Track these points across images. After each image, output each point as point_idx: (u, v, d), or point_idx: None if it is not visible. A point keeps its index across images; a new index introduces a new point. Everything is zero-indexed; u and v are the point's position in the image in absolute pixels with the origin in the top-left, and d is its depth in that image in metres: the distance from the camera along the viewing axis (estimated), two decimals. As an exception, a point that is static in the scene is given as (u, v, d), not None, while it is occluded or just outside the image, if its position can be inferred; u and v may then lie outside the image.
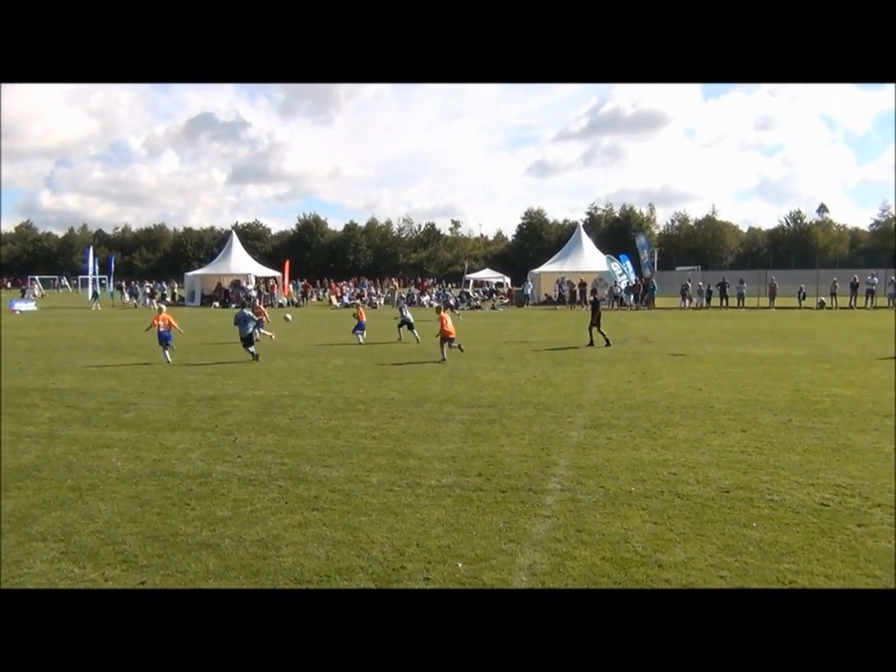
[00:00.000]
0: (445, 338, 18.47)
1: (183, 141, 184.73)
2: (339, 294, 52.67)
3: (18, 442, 9.80)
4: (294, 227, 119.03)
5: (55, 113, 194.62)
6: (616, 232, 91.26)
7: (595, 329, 21.72)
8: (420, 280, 67.17)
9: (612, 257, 46.96)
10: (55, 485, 7.86)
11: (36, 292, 67.14)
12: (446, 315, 19.17)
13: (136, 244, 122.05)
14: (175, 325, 18.98)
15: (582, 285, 45.52)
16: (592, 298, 24.13)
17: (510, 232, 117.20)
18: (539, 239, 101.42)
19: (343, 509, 7.01)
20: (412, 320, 23.61)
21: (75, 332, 27.91)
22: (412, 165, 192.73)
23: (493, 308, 45.24)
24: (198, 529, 6.51)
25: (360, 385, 14.35)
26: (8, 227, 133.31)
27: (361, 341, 22.96)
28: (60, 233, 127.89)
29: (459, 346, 18.84)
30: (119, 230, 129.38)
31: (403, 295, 51.33)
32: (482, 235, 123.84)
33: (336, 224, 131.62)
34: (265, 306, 46.79)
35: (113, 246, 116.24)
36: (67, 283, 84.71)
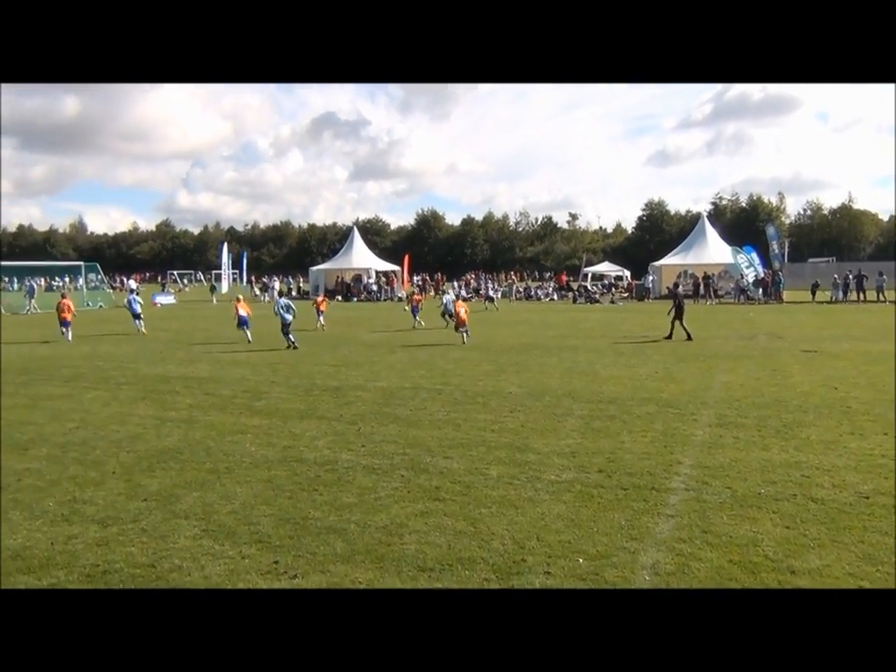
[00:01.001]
0: (459, 324, 21.03)
1: (307, 140, 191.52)
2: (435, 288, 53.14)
3: (162, 426, 10.48)
4: (412, 222, 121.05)
5: (191, 117, 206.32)
6: (742, 223, 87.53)
7: (677, 322, 21.30)
8: (555, 273, 66.43)
9: (738, 248, 45.03)
10: (195, 467, 8.36)
11: (182, 286, 71.18)
12: (461, 305, 21.64)
13: (264, 240, 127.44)
14: (250, 311, 22.11)
15: (706, 278, 43.93)
16: (673, 290, 23.49)
17: (629, 224, 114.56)
18: (660, 231, 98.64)
19: (464, 500, 7.10)
20: (451, 311, 24.20)
21: (209, 324, 29.48)
22: (528, 158, 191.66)
23: (612, 302, 44.35)
24: (326, 514, 6.76)
25: (478, 379, 14.45)
26: (149, 225, 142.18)
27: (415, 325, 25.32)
28: (195, 231, 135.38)
29: (465, 332, 21.00)
30: (249, 226, 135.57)
31: (455, 286, 51.20)
32: (600, 228, 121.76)
33: (453, 219, 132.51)
34: (385, 300, 47.98)
35: (243, 242, 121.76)
36: (202, 277, 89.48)
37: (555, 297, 48.90)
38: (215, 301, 48.25)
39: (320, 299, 28.06)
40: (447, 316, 24.67)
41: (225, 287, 52.67)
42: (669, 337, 21.33)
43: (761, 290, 41.81)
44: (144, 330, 25.01)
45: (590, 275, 58.77)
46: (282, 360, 17.55)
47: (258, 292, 57.58)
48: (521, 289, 51.81)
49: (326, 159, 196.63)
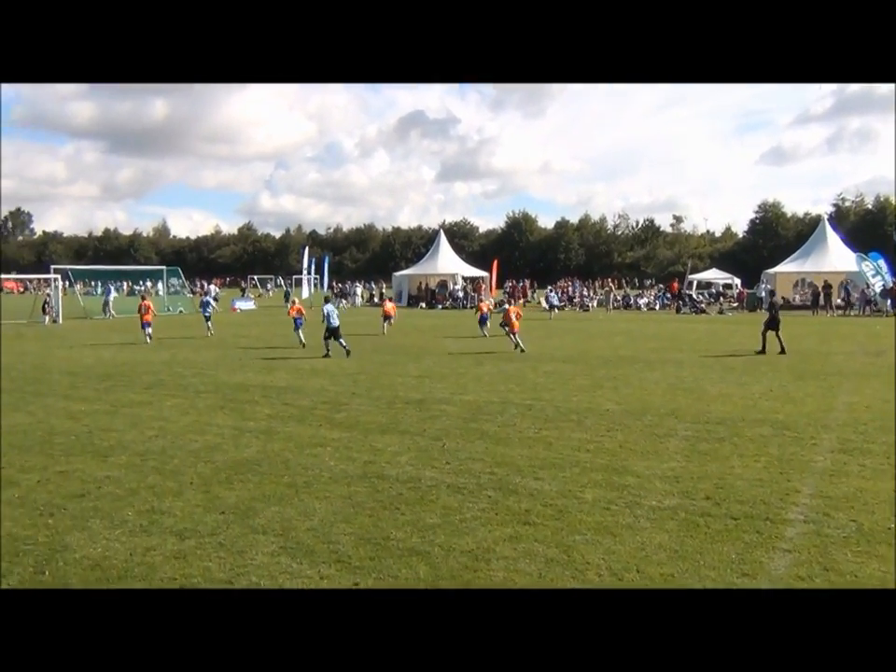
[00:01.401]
0: (512, 330, 21.94)
1: (394, 140, 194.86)
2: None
3: (240, 437, 10.78)
4: (502, 225, 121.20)
5: (276, 117, 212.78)
6: (868, 227, 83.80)
7: (771, 333, 20.95)
8: (656, 281, 65.17)
9: (863, 255, 43.13)
10: (274, 480, 8.55)
11: (264, 290, 72.90)
12: (513, 310, 22.57)
13: (347, 243, 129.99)
14: (304, 313, 24.00)
15: (827, 287, 42.23)
16: (769, 298, 22.83)
17: (740, 228, 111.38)
18: (774, 235, 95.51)
19: (556, 525, 7.01)
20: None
21: (289, 331, 30.15)
22: (628, 157, 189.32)
23: (720, 312, 43.20)
24: (408, 535, 6.79)
25: (572, 394, 14.29)
26: (231, 228, 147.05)
27: (485, 333, 26.17)
28: (277, 234, 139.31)
29: (517, 340, 21.84)
30: (331, 230, 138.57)
31: (549, 292, 50.46)
32: (707, 231, 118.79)
33: (546, 221, 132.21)
34: (471, 307, 48.08)
35: (325, 246, 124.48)
36: (283, 282, 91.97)
37: (657, 306, 47.97)
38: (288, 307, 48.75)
39: (389, 305, 29.01)
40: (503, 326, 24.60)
41: (305, 292, 53.72)
42: (762, 351, 20.97)
43: (889, 301, 39.89)
44: (212, 332, 27.60)
45: (695, 283, 57.38)
46: (363, 370, 17.81)
47: (343, 302, 58.78)
48: (619, 297, 51.07)
49: (413, 159, 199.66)
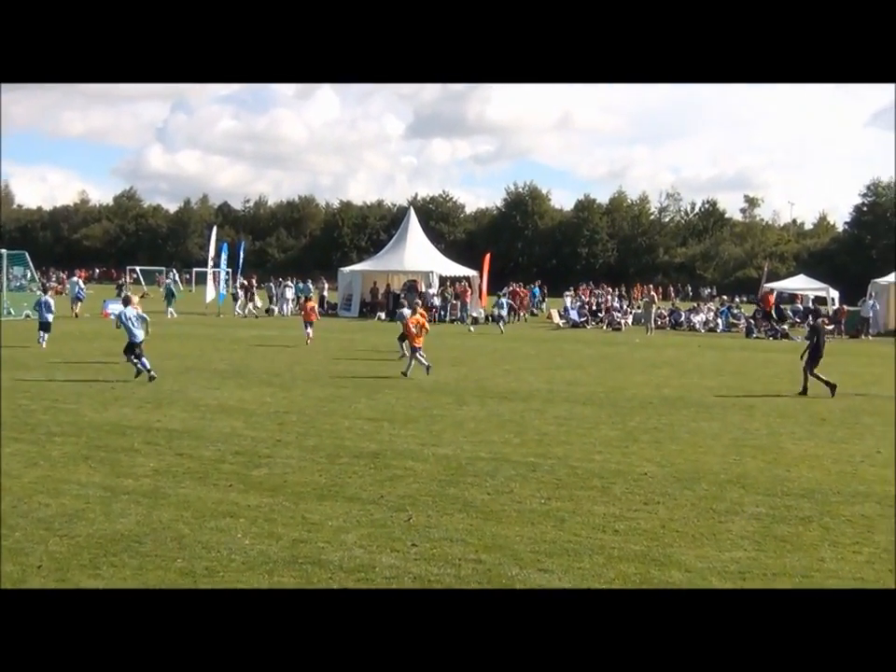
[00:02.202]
0: (415, 347, 23.63)
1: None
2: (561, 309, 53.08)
3: (113, 500, 10.76)
4: (500, 203, 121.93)
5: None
6: None
7: (809, 370, 21.87)
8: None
9: None
10: (161, 565, 8.54)
11: (149, 288, 72.31)
12: (416, 319, 24.02)
13: (273, 223, 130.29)
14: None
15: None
16: (813, 323, 23.43)
17: (840, 218, 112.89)
18: (888, 230, 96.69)
19: (569, 637, 7.08)
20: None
21: (187, 348, 30.18)
22: (681, 109, 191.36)
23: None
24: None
25: (595, 449, 14.40)
26: (104, 197, 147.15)
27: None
28: (172, 207, 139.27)
29: (421, 357, 23.43)
30: (251, 203, 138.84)
31: (569, 298, 50.76)
32: (793, 222, 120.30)
33: (563, 199, 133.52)
34: (452, 320, 48.24)
35: (242, 227, 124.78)
36: (177, 277, 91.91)
37: (718, 325, 48.41)
38: (172, 314, 47.39)
39: (310, 305, 30.48)
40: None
41: (211, 292, 53.45)
42: (804, 391, 21.61)
43: None
44: (44, 346, 28.64)
45: (774, 295, 57.89)
46: (292, 409, 17.84)
47: (259, 303, 58.56)
48: (664, 312, 51.45)
49: (373, 104, 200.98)
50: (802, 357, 22.34)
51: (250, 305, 52.60)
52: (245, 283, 56.52)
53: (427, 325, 24.45)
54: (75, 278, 56.95)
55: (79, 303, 47.51)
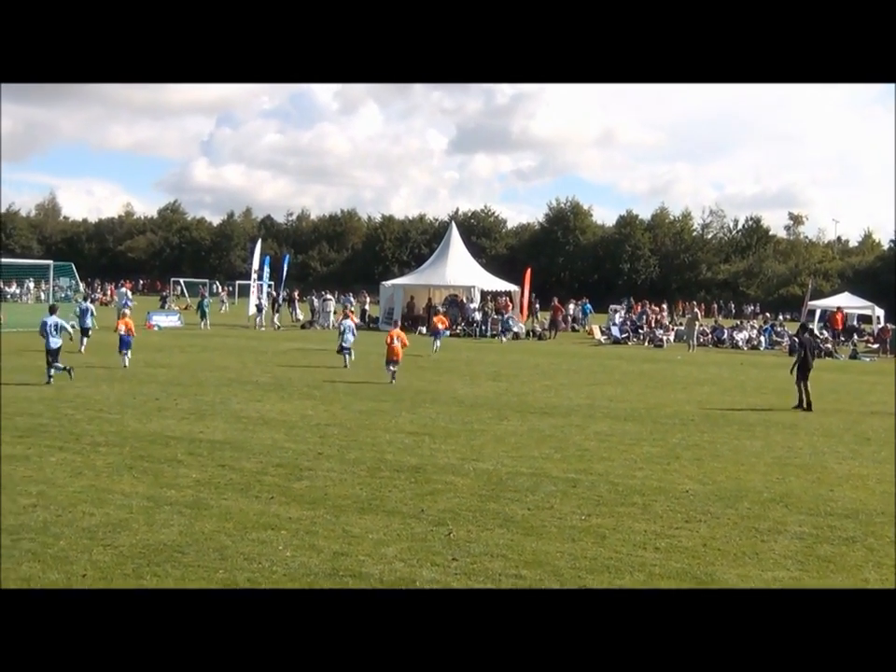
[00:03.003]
0: (389, 359, 25.22)
1: (390, 89, 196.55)
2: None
3: (156, 511, 10.87)
4: (542, 218, 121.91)
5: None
6: None
7: (802, 383, 22.37)
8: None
9: None
10: (203, 575, 8.62)
11: (207, 297, 72.22)
12: (395, 334, 25.82)
13: (316, 237, 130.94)
14: (133, 332, 27.54)
15: None
16: (798, 337, 24.44)
17: (885, 235, 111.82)
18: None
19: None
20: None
21: (230, 360, 30.40)
22: (725, 126, 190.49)
23: (853, 356, 43.26)
24: None
25: (636, 466, 14.36)
26: (149, 209, 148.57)
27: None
28: (215, 220, 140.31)
29: (393, 375, 25.05)
30: (294, 217, 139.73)
31: (615, 313, 50.44)
32: (838, 239, 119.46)
33: (605, 216, 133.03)
34: (493, 336, 48.27)
35: (285, 241, 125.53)
36: (220, 289, 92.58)
37: (762, 343, 48.08)
38: (206, 326, 47.85)
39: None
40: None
41: (253, 304, 53.80)
42: (799, 405, 22.27)
43: None
44: (83, 351, 29.87)
45: (818, 313, 57.42)
46: (334, 422, 17.92)
47: (300, 315, 58.84)
48: (706, 329, 51.19)
49: (416, 118, 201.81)
50: (791, 372, 22.70)
51: (276, 317, 52.76)
52: (274, 294, 56.89)
53: (405, 339, 26.27)
54: (123, 289, 57.70)
55: (126, 311, 47.90)
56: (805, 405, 22.14)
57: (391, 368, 25.23)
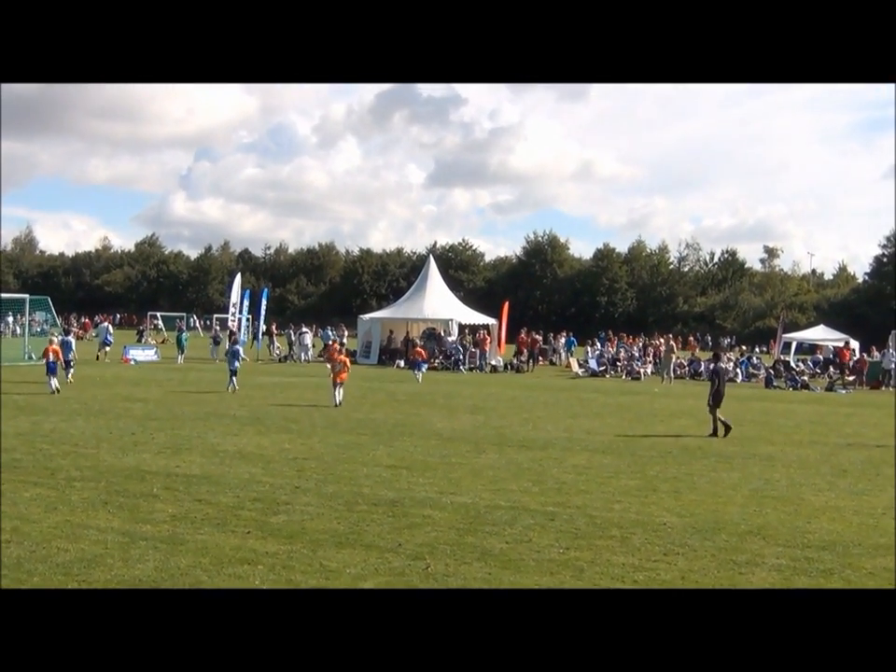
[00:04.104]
0: (335, 382, 27.19)
1: (369, 124, 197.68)
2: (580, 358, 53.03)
3: (131, 546, 10.78)
4: (519, 251, 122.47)
5: (200, 87, 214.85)
6: None
7: (714, 409, 23.06)
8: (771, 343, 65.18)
9: None
10: (178, 612, 8.54)
11: (184, 330, 72.29)
12: (341, 358, 28.52)
13: (294, 271, 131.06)
14: (61, 359, 29.29)
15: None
16: (714, 365, 25.45)
17: (860, 268, 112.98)
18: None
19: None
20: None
21: (207, 395, 30.28)
22: (701, 160, 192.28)
23: (829, 388, 43.53)
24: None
25: (614, 499, 14.36)
26: (126, 243, 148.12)
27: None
28: (193, 254, 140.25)
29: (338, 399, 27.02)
30: (272, 250, 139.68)
31: (591, 349, 50.59)
32: (812, 272, 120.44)
33: (583, 248, 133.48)
34: (471, 369, 48.32)
35: (262, 274, 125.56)
36: (197, 324, 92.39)
37: (738, 376, 48.28)
38: (181, 360, 48.04)
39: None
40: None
41: (235, 339, 53.83)
42: (714, 433, 22.83)
43: None
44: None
45: (794, 346, 57.81)
46: (312, 455, 17.86)
47: (278, 349, 58.80)
48: (683, 362, 51.36)
49: (395, 153, 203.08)
50: (708, 402, 23.34)
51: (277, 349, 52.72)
52: (253, 328, 57.14)
53: (348, 363, 28.68)
54: (105, 324, 57.73)
55: (107, 348, 48.25)
56: (717, 432, 22.80)
57: (337, 391, 27.16)
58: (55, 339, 31.63)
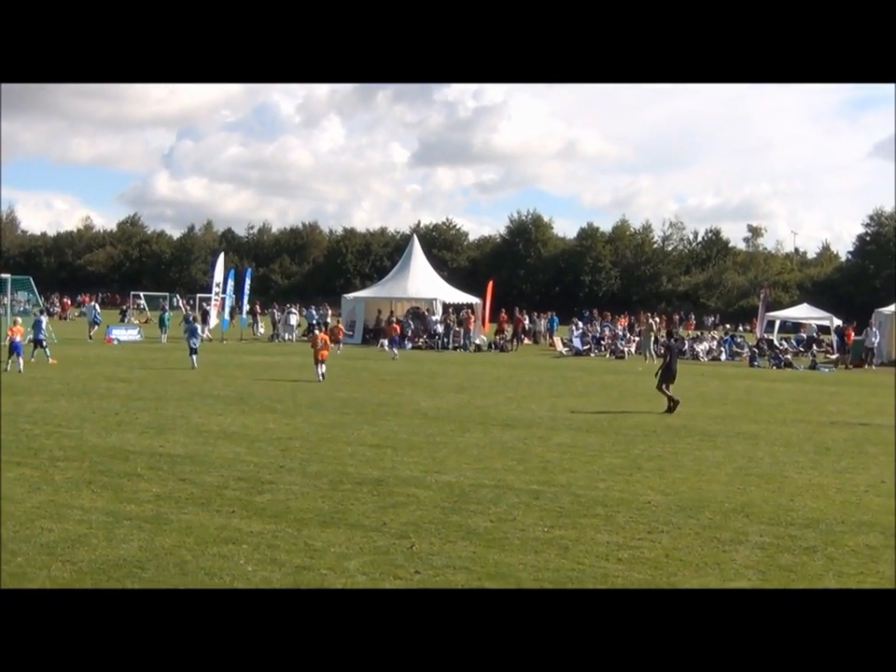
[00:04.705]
0: (316, 360, 28.55)
1: (353, 103, 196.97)
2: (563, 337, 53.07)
3: (115, 526, 10.77)
4: (503, 231, 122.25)
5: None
6: None
7: (664, 386, 23.34)
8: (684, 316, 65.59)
9: None
10: (163, 591, 8.53)
11: (166, 310, 72.13)
12: (322, 336, 30.06)
13: (277, 250, 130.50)
14: (23, 338, 29.92)
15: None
16: (666, 341, 25.68)
17: (843, 247, 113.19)
18: (892, 259, 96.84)
19: None
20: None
21: (190, 374, 30.20)
22: (686, 139, 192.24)
23: (812, 367, 43.65)
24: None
25: (599, 477, 14.39)
26: (108, 223, 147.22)
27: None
28: (175, 233, 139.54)
29: (322, 374, 28.23)
30: (255, 230, 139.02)
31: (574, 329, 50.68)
32: (796, 251, 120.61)
33: (567, 228, 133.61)
34: (455, 348, 48.36)
35: (245, 254, 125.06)
36: (180, 303, 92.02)
37: (722, 354, 48.42)
38: (164, 340, 48.10)
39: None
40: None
41: (214, 318, 53.56)
42: (670, 409, 22.99)
43: None
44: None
45: (777, 324, 57.96)
46: (296, 435, 17.85)
47: (262, 329, 58.66)
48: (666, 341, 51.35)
49: (378, 132, 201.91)
50: (656, 376, 23.76)
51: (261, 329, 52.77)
52: (257, 308, 57.07)
53: (328, 342, 30.53)
54: (92, 303, 58.03)
55: (96, 327, 49.03)
56: (670, 408, 23.07)
57: (319, 368, 28.38)
58: (18, 320, 32.50)
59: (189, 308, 58.06)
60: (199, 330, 34.04)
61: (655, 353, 44.00)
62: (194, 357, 32.13)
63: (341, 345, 42.52)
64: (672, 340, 25.01)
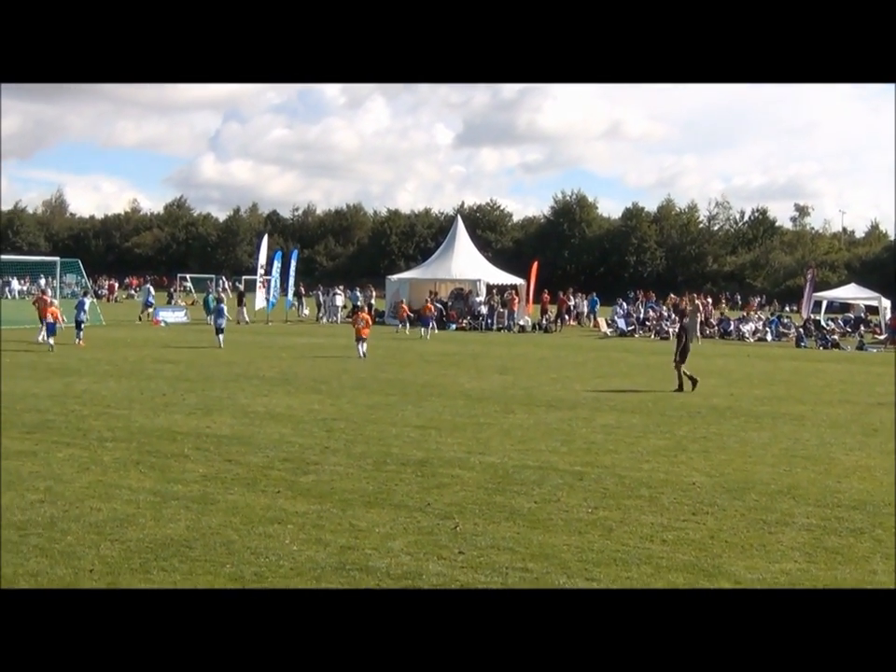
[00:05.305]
0: (357, 338, 29.89)
1: (397, 84, 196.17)
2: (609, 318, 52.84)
3: (163, 506, 10.88)
4: (547, 212, 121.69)
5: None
6: None
7: (680, 365, 23.58)
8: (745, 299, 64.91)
9: None
10: (210, 569, 8.63)
11: (219, 290, 72.07)
12: (363, 316, 31.06)
13: (322, 232, 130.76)
14: (59, 320, 31.78)
15: None
16: (679, 321, 25.63)
17: (892, 226, 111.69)
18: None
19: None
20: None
21: (236, 356, 30.42)
22: (732, 119, 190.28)
23: (860, 348, 43.17)
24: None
25: (643, 459, 14.35)
26: (156, 206, 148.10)
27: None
28: (221, 216, 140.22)
29: (363, 352, 29.59)
30: (300, 212, 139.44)
31: (618, 309, 50.32)
32: (844, 230, 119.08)
33: (612, 209, 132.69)
34: (499, 329, 48.31)
35: (291, 236, 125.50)
36: (226, 285, 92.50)
37: (768, 335, 48.01)
38: (210, 322, 48.39)
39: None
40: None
41: (260, 300, 53.80)
42: (679, 388, 23.37)
43: None
44: (81, 343, 32.06)
45: (825, 304, 57.37)
46: (341, 416, 17.93)
47: (307, 311, 58.92)
48: (713, 321, 51.08)
49: (423, 113, 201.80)
50: (675, 357, 23.75)
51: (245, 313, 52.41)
52: (302, 290, 57.38)
53: (370, 321, 31.76)
54: (147, 285, 58.52)
55: (150, 309, 50.52)
56: (682, 387, 23.37)
57: (361, 346, 29.72)
58: (55, 302, 34.30)
59: (219, 290, 58.69)
60: (224, 311, 34.64)
61: (700, 334, 43.81)
62: (220, 336, 33.23)
63: (408, 326, 44.21)
64: (685, 320, 25.33)
